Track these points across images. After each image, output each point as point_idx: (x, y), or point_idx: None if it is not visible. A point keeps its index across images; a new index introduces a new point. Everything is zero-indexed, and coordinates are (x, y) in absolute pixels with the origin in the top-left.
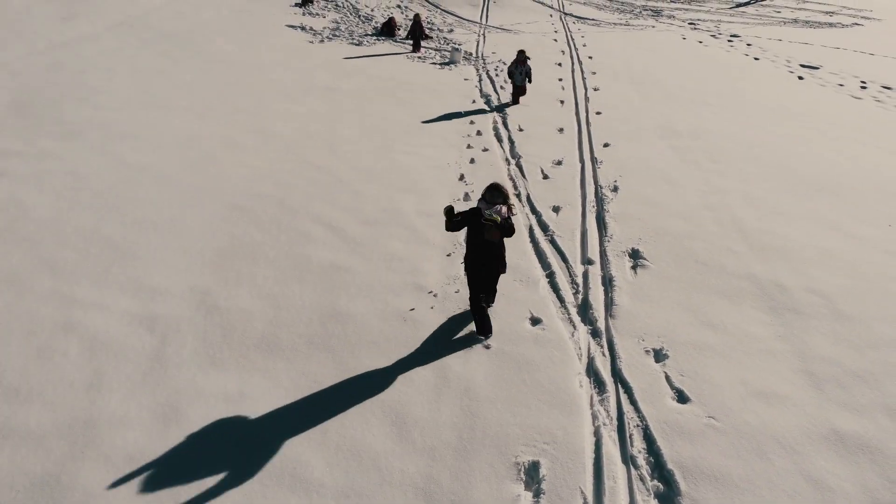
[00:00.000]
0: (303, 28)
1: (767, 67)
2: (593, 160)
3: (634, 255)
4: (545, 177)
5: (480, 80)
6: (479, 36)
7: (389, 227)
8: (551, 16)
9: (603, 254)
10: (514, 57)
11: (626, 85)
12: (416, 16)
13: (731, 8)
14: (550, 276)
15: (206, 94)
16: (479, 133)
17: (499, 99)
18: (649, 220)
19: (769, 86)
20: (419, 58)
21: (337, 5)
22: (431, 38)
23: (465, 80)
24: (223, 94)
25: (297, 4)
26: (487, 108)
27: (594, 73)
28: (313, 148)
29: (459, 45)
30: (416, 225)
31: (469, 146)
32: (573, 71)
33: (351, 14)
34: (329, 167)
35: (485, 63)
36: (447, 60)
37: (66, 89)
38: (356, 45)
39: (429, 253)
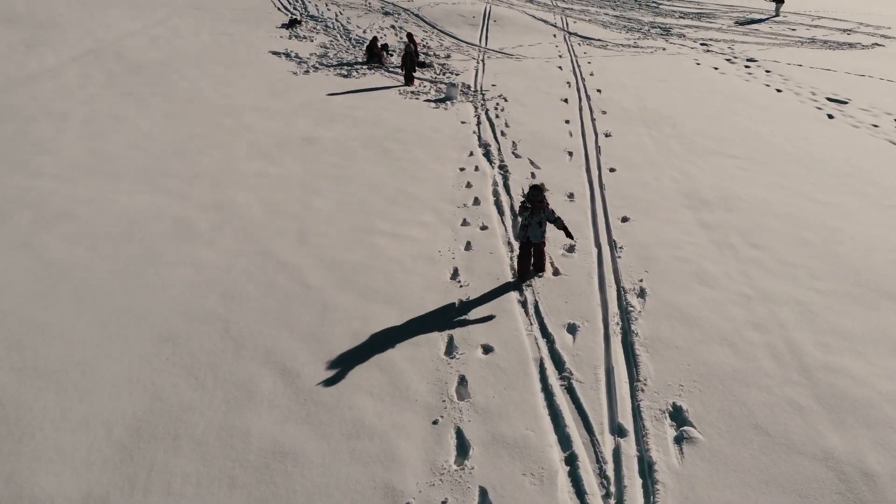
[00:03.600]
0: (287, 55)
1: (792, 102)
2: (612, 244)
3: (676, 415)
4: (556, 272)
5: (479, 124)
6: (478, 62)
7: (360, 367)
8: (555, 36)
9: (637, 414)
10: (524, 194)
11: (640, 129)
12: (408, 46)
13: (740, 24)
14: (571, 462)
15: (165, 151)
16: (476, 202)
17: (499, 149)
18: (688, 350)
19: (798, 128)
20: (412, 93)
21: (326, 26)
22: (431, 65)
23: (463, 122)
24: (186, 150)
25: (283, 25)
26: (487, 163)
27: (604, 113)
28: (279, 232)
29: (457, 73)
30: (394, 362)
31: (465, 222)
32: (581, 109)
33: (341, 36)
34: (295, 264)
35: (484, 99)
36: (443, 96)
37: (7, 147)
38: (344, 76)
39: (408, 418)
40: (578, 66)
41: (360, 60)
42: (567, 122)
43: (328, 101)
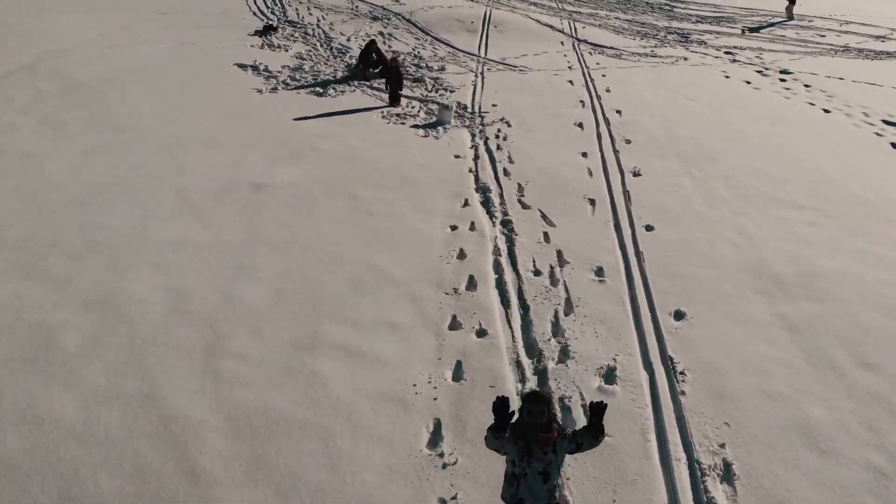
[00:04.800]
0: (255, 68)
1: (845, 126)
2: (669, 365)
3: None
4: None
5: (477, 158)
6: (476, 76)
7: None
8: (562, 43)
9: None
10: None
11: (675, 164)
12: (394, 59)
13: (747, 30)
14: None
15: (65, 207)
16: (471, 283)
17: (501, 195)
18: None
19: (861, 161)
20: (398, 116)
21: (306, 33)
22: (422, 79)
23: (457, 157)
24: (92, 205)
25: (256, 32)
26: (486, 216)
27: (628, 143)
28: (179, 351)
29: (452, 90)
30: None
31: (454, 322)
32: (599, 137)
33: (322, 45)
34: (185, 421)
35: (483, 124)
36: (434, 120)
37: None
38: (318, 94)
39: None
40: (592, 80)
41: (340, 74)
42: (584, 154)
43: (293, 129)
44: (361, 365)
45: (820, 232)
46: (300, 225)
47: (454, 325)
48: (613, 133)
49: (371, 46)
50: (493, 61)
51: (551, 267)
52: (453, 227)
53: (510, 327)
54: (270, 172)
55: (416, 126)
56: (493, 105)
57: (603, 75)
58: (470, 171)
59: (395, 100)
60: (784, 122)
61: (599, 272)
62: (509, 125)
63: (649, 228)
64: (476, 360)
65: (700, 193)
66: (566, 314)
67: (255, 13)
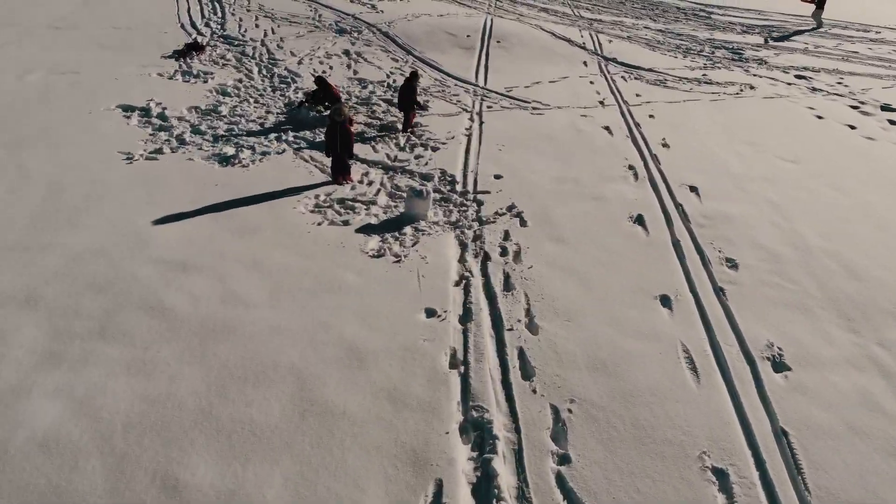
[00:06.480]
0: (145, 112)
1: None
2: None
3: None
4: None
5: (468, 317)
6: (471, 118)
7: None
8: (586, 64)
9: None
10: None
11: (836, 332)
12: (338, 108)
13: (770, 39)
14: None
15: None
16: None
17: (519, 456)
18: None
19: None
20: (340, 204)
21: (243, 53)
22: (394, 129)
23: (430, 315)
24: None
25: (174, 54)
26: None
27: (733, 267)
28: None
29: (436, 148)
30: None
31: None
32: (680, 254)
33: (259, 73)
34: None
35: (479, 219)
36: (401, 213)
37: None
38: (223, 162)
39: None
40: (637, 126)
41: (275, 118)
42: (665, 301)
43: (141, 248)
44: None
45: None
46: None
47: None
48: (701, 242)
49: (414, 78)
50: (496, 94)
51: None
52: None
53: None
54: (25, 397)
55: (367, 229)
56: (497, 177)
57: (650, 115)
58: (453, 359)
59: (340, 171)
60: None
61: None
62: (523, 222)
63: None
64: None
65: None
66: None
67: (182, 25)
